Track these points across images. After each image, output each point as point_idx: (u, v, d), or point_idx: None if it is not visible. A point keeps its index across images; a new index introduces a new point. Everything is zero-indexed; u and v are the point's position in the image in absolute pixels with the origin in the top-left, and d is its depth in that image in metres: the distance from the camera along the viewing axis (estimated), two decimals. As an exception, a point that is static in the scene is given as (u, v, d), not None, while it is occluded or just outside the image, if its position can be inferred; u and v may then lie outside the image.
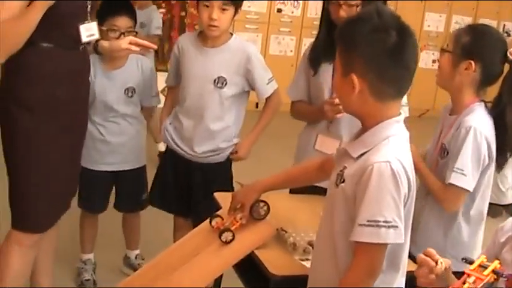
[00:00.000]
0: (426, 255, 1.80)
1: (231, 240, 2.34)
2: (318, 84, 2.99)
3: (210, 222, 2.46)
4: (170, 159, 3.30)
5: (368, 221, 1.81)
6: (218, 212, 2.52)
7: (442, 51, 2.59)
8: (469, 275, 1.68)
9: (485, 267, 1.72)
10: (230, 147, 3.23)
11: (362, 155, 1.91)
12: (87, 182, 3.20)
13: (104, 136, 3.33)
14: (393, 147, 1.88)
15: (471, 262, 1.75)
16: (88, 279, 3.52)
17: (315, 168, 2.38)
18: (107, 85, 3.27)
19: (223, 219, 2.44)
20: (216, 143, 3.19)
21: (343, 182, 1.92)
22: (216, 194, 2.77)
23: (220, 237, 2.34)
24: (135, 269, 3.51)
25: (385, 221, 1.81)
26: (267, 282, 2.23)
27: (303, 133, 3.18)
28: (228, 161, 3.26)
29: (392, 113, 1.93)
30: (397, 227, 1.83)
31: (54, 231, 2.99)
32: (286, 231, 2.47)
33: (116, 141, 3.36)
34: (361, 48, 1.86)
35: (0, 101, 2.65)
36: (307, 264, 2.30)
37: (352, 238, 1.85)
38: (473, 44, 2.52)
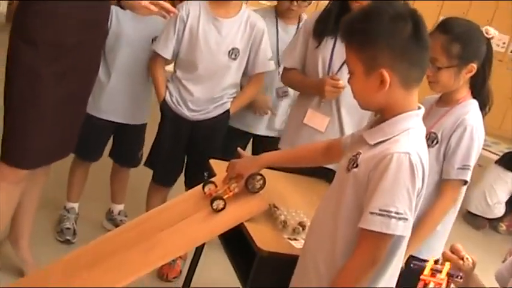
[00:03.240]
0: (452, 252, 1.79)
1: (222, 209, 2.31)
2: (315, 57, 2.94)
3: (203, 188, 2.42)
4: (171, 122, 3.29)
5: (380, 210, 1.78)
6: (213, 179, 2.48)
7: (438, 69, 2.52)
8: (427, 282, 1.66)
9: (438, 271, 1.71)
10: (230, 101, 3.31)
11: (379, 143, 1.87)
12: (87, 129, 3.14)
13: (118, 88, 3.32)
14: (413, 140, 1.85)
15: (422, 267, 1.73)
16: (68, 228, 3.48)
17: (320, 151, 2.34)
18: None
19: (216, 187, 2.41)
20: (219, 102, 3.27)
21: (355, 167, 1.88)
22: (212, 161, 2.73)
23: (211, 204, 2.30)
24: (116, 225, 3.50)
25: (397, 213, 1.78)
26: (253, 256, 2.19)
27: (294, 106, 3.23)
28: (227, 115, 3.31)
29: (414, 105, 1.91)
30: (407, 219, 1.80)
31: (42, 176, 2.95)
32: (278, 208, 2.43)
33: (125, 94, 3.34)
34: (384, 40, 1.82)
35: (12, 34, 2.61)
36: (295, 244, 2.27)
37: (361, 225, 1.82)
38: (466, 49, 2.49)
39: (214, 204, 2.31)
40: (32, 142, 2.66)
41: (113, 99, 3.32)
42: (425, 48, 1.88)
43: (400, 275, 2.02)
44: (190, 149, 3.35)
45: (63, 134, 2.78)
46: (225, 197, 2.32)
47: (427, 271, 1.69)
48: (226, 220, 2.32)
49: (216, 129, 3.32)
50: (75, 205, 3.57)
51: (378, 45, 1.83)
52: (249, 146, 3.72)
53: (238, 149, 2.54)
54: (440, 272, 1.71)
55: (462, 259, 1.77)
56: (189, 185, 3.35)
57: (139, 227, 2.39)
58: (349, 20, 1.92)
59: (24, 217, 2.99)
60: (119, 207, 3.71)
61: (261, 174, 2.38)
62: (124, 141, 3.49)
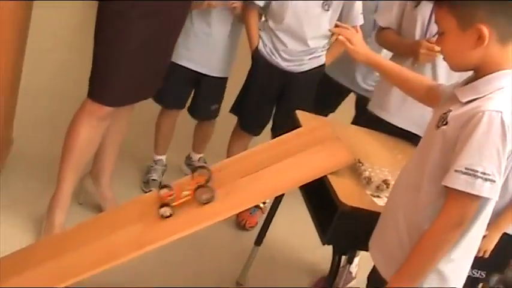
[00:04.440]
0: None
1: (168, 216, 2.22)
2: (413, 18, 2.79)
3: (159, 190, 2.34)
4: (263, 70, 3.24)
5: (466, 168, 1.69)
6: (171, 184, 2.38)
7: None
8: None
9: None
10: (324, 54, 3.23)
11: (471, 101, 1.77)
12: (171, 76, 3.12)
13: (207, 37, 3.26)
14: (507, 99, 1.73)
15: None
16: (155, 180, 3.49)
17: (425, 86, 2.19)
18: None
19: (171, 191, 2.31)
20: (314, 54, 3.21)
21: (445, 124, 1.79)
22: (299, 113, 2.67)
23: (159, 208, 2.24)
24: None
25: (483, 173, 1.68)
26: (333, 210, 2.14)
27: None
28: (321, 68, 3.25)
29: (509, 62, 1.79)
30: (494, 181, 1.69)
31: (126, 116, 2.97)
32: (363, 164, 2.36)
33: (212, 44, 3.27)
34: None
35: None
36: (378, 201, 2.21)
37: (445, 183, 1.73)
38: None
39: (161, 211, 2.23)
40: (118, 80, 2.67)
41: (198, 48, 3.25)
42: None
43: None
44: (280, 100, 3.29)
45: (147, 75, 2.77)
46: (173, 204, 2.24)
47: None
48: (309, 171, 2.27)
49: (309, 81, 3.25)
50: (163, 157, 3.58)
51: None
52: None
53: None
54: None
55: None
56: (273, 132, 3.33)
57: (223, 171, 2.36)
58: None
59: (106, 154, 3.02)
60: (198, 155, 3.71)
61: (210, 188, 2.26)
62: (202, 92, 3.41)
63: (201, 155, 3.72)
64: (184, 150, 3.73)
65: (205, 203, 2.22)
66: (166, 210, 2.22)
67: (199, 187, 2.25)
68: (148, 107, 3.29)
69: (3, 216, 2.87)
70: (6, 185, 3.05)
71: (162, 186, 2.35)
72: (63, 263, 2.31)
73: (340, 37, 2.42)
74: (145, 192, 3.43)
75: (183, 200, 2.24)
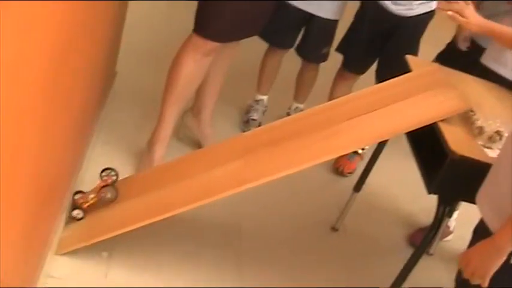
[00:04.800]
0: None
1: (81, 219, 2.41)
2: None
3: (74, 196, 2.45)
4: (372, 11, 3.15)
5: None
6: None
7: None
8: None
9: None
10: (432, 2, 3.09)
11: None
12: (280, 15, 3.05)
13: None
14: None
15: None
16: (254, 119, 3.46)
17: None
18: None
19: (84, 194, 2.45)
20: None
21: None
22: (409, 57, 2.56)
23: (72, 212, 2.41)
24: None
25: None
26: (443, 158, 2.05)
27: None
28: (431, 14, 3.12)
29: None
30: None
31: (230, 53, 2.94)
32: (475, 113, 2.24)
33: None
34: None
35: None
36: (489, 152, 2.10)
37: None
38: None
39: (73, 213, 2.40)
40: (225, 15, 2.64)
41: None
42: None
43: None
44: (386, 43, 3.18)
45: (254, 10, 2.73)
46: (84, 207, 2.39)
47: None
48: (419, 117, 2.17)
49: (417, 27, 3.15)
50: (265, 97, 3.54)
51: None
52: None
53: None
54: None
55: None
56: (378, 76, 3.24)
57: (326, 112, 2.30)
58: None
59: (208, 91, 3.00)
60: (297, 105, 3.62)
61: (114, 186, 2.42)
62: (312, 34, 3.32)
63: (301, 106, 3.62)
64: (286, 94, 3.66)
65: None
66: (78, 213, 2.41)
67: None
68: (253, 45, 3.24)
69: (103, 149, 2.92)
70: (108, 118, 3.10)
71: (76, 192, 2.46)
72: (161, 196, 2.33)
73: (449, 12, 2.33)
74: (245, 131, 3.38)
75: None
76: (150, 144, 2.85)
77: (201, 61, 2.72)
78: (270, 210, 2.95)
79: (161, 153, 2.83)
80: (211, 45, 2.67)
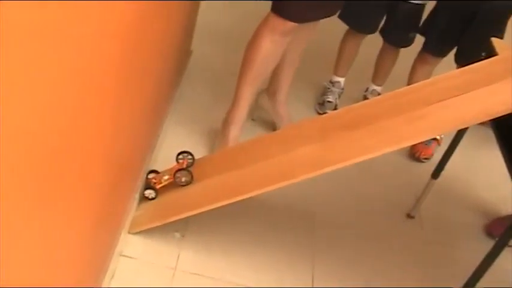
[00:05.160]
0: None
1: (153, 199, 2.40)
2: None
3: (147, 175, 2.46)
4: None
5: None
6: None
7: None
8: None
9: None
10: None
11: None
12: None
13: None
14: None
15: None
16: (330, 101, 3.39)
17: None
18: None
19: (158, 174, 2.46)
20: None
21: None
22: (495, 40, 2.45)
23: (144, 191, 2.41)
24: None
25: None
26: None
27: None
28: None
29: None
30: None
31: (307, 34, 2.87)
32: None
33: None
34: None
35: None
36: None
37: None
38: None
39: (146, 193, 2.40)
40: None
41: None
42: None
43: None
44: (470, 24, 3.04)
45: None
46: (157, 187, 2.39)
47: None
48: (504, 103, 2.06)
49: (503, 8, 3.00)
50: (341, 79, 3.46)
51: None
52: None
53: None
54: None
55: None
56: (458, 61, 3.12)
57: (407, 96, 2.21)
58: None
59: (284, 72, 2.94)
60: (374, 87, 3.53)
61: (189, 171, 2.37)
62: (397, 18, 3.21)
63: (378, 89, 3.53)
64: (363, 76, 3.57)
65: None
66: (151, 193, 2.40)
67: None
68: (331, 25, 3.16)
69: (176, 129, 2.90)
70: (182, 98, 3.08)
71: (149, 171, 2.47)
72: (236, 177, 2.30)
73: None
74: (320, 113, 3.34)
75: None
76: (225, 124, 2.83)
77: (278, 42, 2.66)
78: (343, 194, 2.90)
79: (236, 134, 2.80)
80: (289, 25, 2.61)
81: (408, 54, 3.30)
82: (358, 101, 3.32)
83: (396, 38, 3.32)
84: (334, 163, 2.07)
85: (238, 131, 2.81)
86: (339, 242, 2.65)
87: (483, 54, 2.50)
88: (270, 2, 2.61)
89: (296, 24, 2.61)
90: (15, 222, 1.03)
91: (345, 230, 2.72)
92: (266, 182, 2.17)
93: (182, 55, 3.00)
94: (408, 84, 3.10)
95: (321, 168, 2.08)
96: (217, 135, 2.86)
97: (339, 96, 3.44)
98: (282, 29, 2.61)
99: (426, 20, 3.19)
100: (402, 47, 3.35)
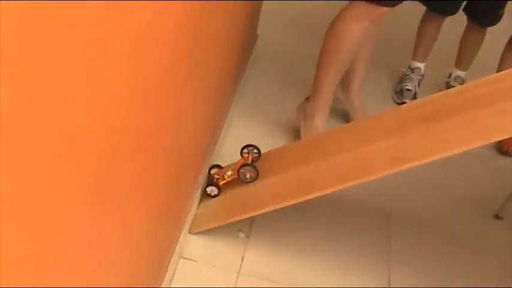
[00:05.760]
0: None
1: (216, 196, 2.29)
2: None
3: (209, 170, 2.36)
4: None
5: None
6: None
7: None
8: None
9: None
10: None
11: None
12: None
13: None
14: None
15: None
16: (409, 90, 3.21)
17: None
18: None
19: (222, 168, 2.36)
20: None
21: None
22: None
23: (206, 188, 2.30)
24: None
25: None
26: None
27: None
28: None
29: None
30: None
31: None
32: None
33: None
34: None
35: None
36: None
37: None
38: None
39: (208, 190, 2.28)
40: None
41: None
42: None
43: None
44: None
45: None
46: (220, 184, 2.28)
47: None
48: None
49: None
50: (421, 65, 3.26)
51: None
52: None
53: None
54: None
55: None
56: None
57: (497, 84, 2.01)
58: None
59: (358, 60, 2.76)
60: (458, 73, 3.30)
61: (254, 166, 2.25)
62: None
63: (462, 74, 3.29)
64: (445, 61, 3.34)
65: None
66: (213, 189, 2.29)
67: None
68: (409, 8, 2.95)
69: (241, 120, 2.78)
70: (247, 86, 2.96)
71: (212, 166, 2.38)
72: (306, 174, 2.18)
73: None
74: (398, 103, 3.16)
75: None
76: (308, 118, 2.68)
77: (367, 30, 2.49)
78: (422, 191, 2.69)
79: (321, 127, 2.66)
80: (382, 11, 2.42)
81: (497, 34, 3.05)
82: (440, 89, 3.16)
83: (482, 16, 3.09)
84: (415, 159, 1.92)
85: (323, 124, 2.67)
86: (417, 243, 2.46)
87: None
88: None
89: (389, 9, 2.43)
90: (74, 221, 1.03)
91: (424, 230, 2.53)
92: (340, 179, 2.03)
93: (248, 39, 2.85)
94: (498, 71, 2.87)
95: (401, 164, 1.93)
96: (302, 130, 2.71)
97: (419, 84, 3.24)
98: (372, 15, 2.45)
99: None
100: (488, 26, 3.11)
